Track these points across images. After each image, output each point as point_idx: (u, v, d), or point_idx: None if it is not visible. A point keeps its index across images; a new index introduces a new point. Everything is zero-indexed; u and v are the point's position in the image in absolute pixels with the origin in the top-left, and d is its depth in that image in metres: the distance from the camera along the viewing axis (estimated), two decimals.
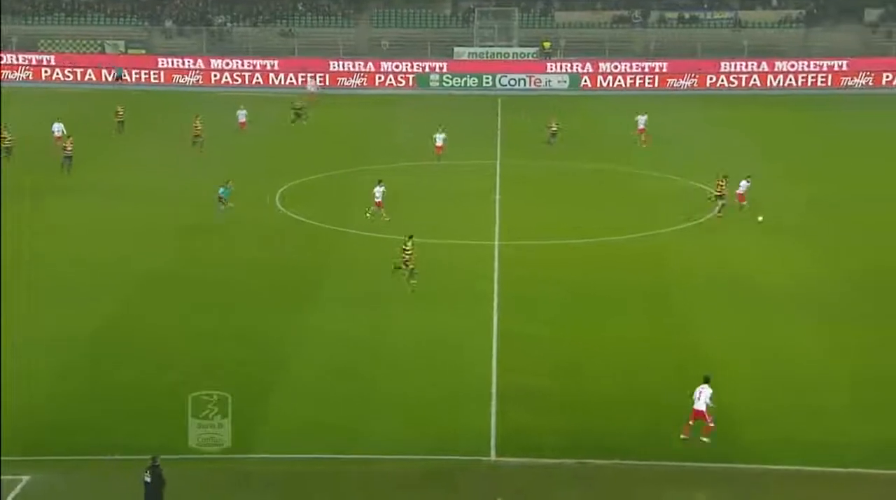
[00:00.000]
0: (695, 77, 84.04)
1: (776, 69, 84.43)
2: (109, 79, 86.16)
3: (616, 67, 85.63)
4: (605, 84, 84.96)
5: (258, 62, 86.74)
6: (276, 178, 53.78)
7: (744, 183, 47.23)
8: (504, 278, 39.25)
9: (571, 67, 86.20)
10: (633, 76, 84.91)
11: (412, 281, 37.29)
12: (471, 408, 29.22)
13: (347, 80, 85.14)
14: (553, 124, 62.10)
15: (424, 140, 60.17)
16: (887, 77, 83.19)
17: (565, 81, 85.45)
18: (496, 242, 43.45)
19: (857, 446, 27.25)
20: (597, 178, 55.02)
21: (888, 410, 29.08)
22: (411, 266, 37.56)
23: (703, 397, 27.50)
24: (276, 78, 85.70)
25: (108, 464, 26.19)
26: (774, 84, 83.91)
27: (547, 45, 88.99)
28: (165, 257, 41.46)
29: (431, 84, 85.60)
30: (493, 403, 29.47)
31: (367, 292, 37.82)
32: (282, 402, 29.33)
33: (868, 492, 25.76)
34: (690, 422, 27.46)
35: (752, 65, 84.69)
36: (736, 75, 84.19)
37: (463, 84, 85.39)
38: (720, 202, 46.39)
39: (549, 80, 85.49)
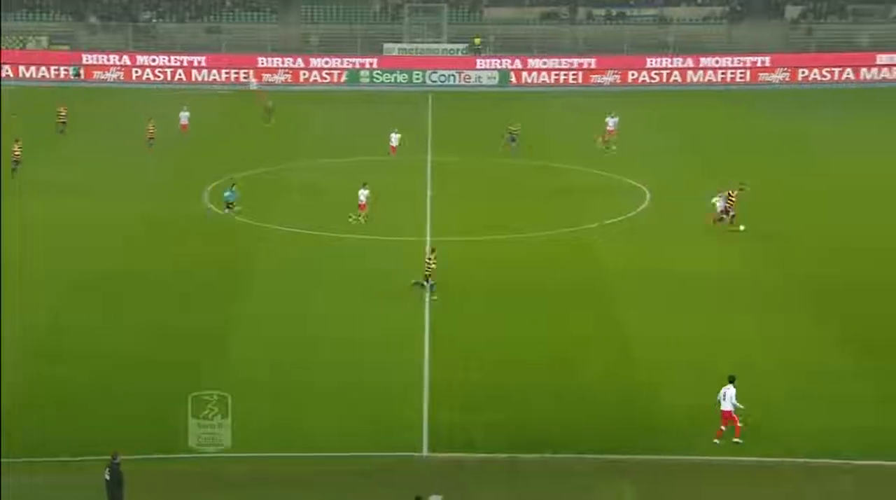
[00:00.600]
0: (617, 73, 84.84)
1: (701, 65, 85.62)
2: (70, 76, 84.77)
3: (545, 63, 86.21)
4: (532, 80, 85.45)
5: (185, 58, 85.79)
6: (206, 175, 53.40)
7: (719, 202, 44.89)
8: (436, 274, 39.39)
9: (501, 64, 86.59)
10: (559, 73, 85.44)
11: (433, 297, 36.64)
12: (403, 405, 29.29)
13: (273, 76, 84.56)
14: (514, 126, 60.66)
15: (355, 137, 60.06)
16: (803, 73, 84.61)
17: (495, 78, 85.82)
18: (428, 239, 43.55)
19: (797, 434, 27.71)
20: (526, 174, 55.28)
21: (818, 399, 29.66)
22: (433, 281, 37.10)
23: (728, 397, 27.42)
24: (200, 74, 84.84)
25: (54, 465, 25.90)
26: (695, 80, 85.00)
27: (477, 41, 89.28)
28: (94, 257, 40.98)
29: (361, 80, 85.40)
30: (426, 399, 29.57)
31: (296, 290, 37.73)
32: None
33: (801, 482, 26.19)
34: (723, 426, 27.44)
35: (678, 61, 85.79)
36: (658, 71, 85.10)
37: (393, 80, 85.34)
38: (731, 213, 44.53)
39: (479, 77, 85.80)
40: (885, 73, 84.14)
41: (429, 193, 50.80)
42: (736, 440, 27.48)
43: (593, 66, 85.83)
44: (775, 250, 41.98)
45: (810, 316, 35.59)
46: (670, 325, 34.95)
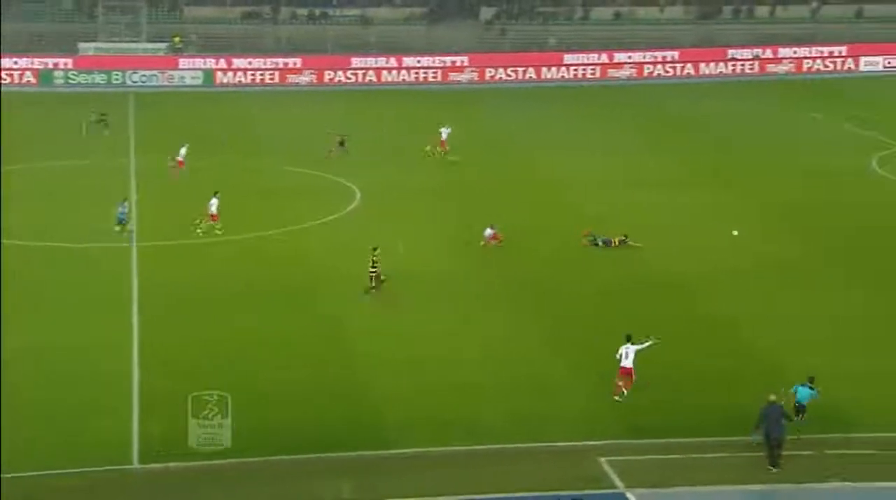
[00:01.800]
0: (314, 73, 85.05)
1: (404, 64, 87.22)
2: None
3: (250, 63, 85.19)
4: (238, 80, 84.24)
5: None
6: None
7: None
8: (143, 281, 38.13)
9: (205, 63, 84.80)
10: (264, 72, 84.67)
11: (370, 292, 36.96)
12: (111, 417, 28.21)
13: None
14: (340, 136, 58.56)
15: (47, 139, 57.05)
16: (490, 73, 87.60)
17: (199, 77, 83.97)
18: (133, 245, 41.98)
19: (496, 421, 28.63)
20: (239, 175, 54.26)
21: (518, 386, 30.84)
22: (383, 278, 36.99)
23: (628, 354, 29.14)
24: None
25: None
26: (398, 79, 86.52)
27: (177, 40, 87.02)
28: None
29: (55, 82, 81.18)
30: (135, 410, 28.58)
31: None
32: None
33: (506, 466, 27.12)
34: (620, 382, 28.96)
35: (382, 60, 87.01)
36: (363, 71, 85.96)
37: (91, 81, 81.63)
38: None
39: (183, 77, 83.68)
40: (570, 72, 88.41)
41: (134, 196, 48.96)
42: (615, 397, 29.17)
43: (299, 65, 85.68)
44: (489, 251, 42.90)
45: (516, 313, 36.70)
46: (384, 320, 35.42)
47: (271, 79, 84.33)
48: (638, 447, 27.33)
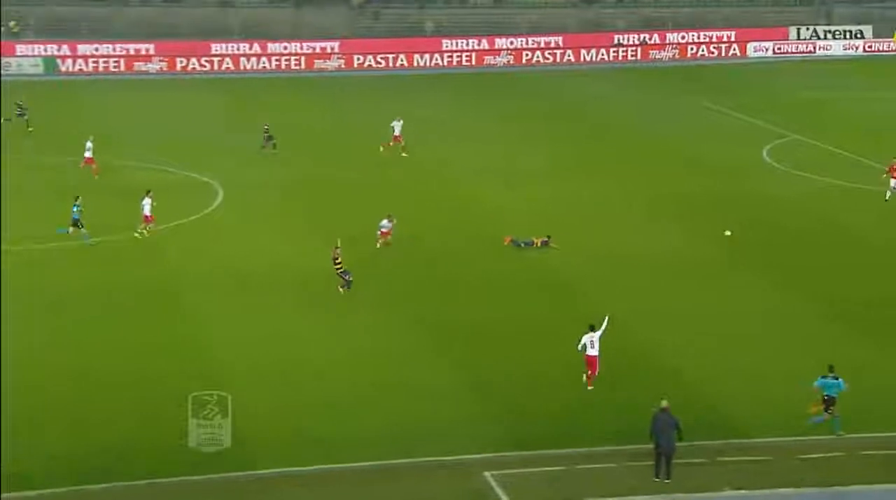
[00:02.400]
0: (164, 61, 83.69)
1: (269, 51, 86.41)
2: None
3: (97, 49, 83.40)
4: (84, 68, 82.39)
5: None
6: None
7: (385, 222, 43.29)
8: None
9: (45, 50, 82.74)
10: (108, 59, 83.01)
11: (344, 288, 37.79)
12: None
13: None
14: (265, 126, 57.95)
15: None
16: (359, 59, 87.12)
17: (38, 65, 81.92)
18: None
19: (373, 435, 28.53)
20: (85, 173, 52.94)
21: (397, 397, 30.85)
22: (349, 276, 37.89)
23: (596, 342, 30.62)
24: None
25: None
26: (261, 67, 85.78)
27: (13, 24, 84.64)
28: None
29: None
30: None
31: None
32: None
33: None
34: (589, 371, 30.69)
35: (244, 46, 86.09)
36: (221, 57, 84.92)
37: None
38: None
39: (20, 64, 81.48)
40: (446, 59, 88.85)
41: None
42: (590, 387, 30.77)
43: (152, 51, 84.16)
44: (371, 249, 42.71)
45: (396, 317, 36.75)
46: (246, 324, 35.37)
47: (116, 67, 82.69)
48: (525, 458, 27.60)
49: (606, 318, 31.65)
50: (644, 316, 36.56)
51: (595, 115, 70.40)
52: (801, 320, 36.66)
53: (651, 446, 26.70)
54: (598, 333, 30.98)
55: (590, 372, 31.07)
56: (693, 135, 64.27)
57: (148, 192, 44.26)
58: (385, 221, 42.98)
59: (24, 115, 62.36)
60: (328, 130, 64.85)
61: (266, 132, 58.24)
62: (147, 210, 43.68)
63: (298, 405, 30.05)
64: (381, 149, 58.01)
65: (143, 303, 37.07)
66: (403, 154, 57.50)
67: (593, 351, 30.90)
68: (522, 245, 43.24)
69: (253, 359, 32.84)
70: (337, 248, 38.55)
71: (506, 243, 43.38)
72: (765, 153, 59.59)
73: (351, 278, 38.03)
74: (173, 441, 27.31)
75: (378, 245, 42.58)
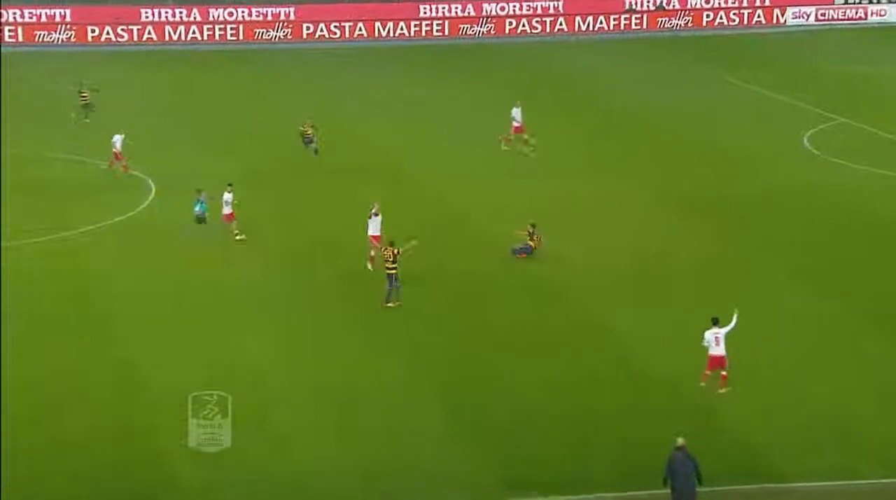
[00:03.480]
0: (73, 29, 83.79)
1: (211, 18, 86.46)
2: None
3: None
4: None
5: None
6: None
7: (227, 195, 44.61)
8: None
9: None
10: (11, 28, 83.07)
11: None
12: None
13: None
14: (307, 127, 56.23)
15: None
16: (308, 29, 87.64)
17: None
18: None
19: (336, 478, 28.63)
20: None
21: (366, 433, 30.75)
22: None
23: (721, 340, 31.62)
24: None
25: None
26: (202, 38, 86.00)
27: None
28: None
29: None
30: None
31: None
32: None
33: None
34: (708, 371, 31.88)
35: (182, 13, 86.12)
36: (152, 26, 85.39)
37: None
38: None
39: None
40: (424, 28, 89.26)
41: None
42: (721, 390, 32.01)
43: (68, 18, 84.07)
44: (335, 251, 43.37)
45: (363, 335, 36.83)
46: (173, 336, 36.02)
47: (12, 36, 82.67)
48: None
49: (736, 312, 32.45)
50: (658, 330, 36.48)
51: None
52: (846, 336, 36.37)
53: (666, 491, 26.61)
54: (726, 329, 32.00)
55: (708, 372, 32.10)
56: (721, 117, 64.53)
57: (229, 185, 44.47)
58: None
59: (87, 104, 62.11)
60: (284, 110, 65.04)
61: (308, 134, 55.85)
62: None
63: (248, 443, 29.83)
64: (503, 145, 56.84)
65: (60, 316, 37.39)
66: (530, 147, 56.28)
67: (718, 350, 31.82)
68: (520, 253, 43.00)
69: (193, 386, 32.63)
70: (394, 248, 38.24)
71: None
72: (805, 141, 59.61)
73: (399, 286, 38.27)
74: None
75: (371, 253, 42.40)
